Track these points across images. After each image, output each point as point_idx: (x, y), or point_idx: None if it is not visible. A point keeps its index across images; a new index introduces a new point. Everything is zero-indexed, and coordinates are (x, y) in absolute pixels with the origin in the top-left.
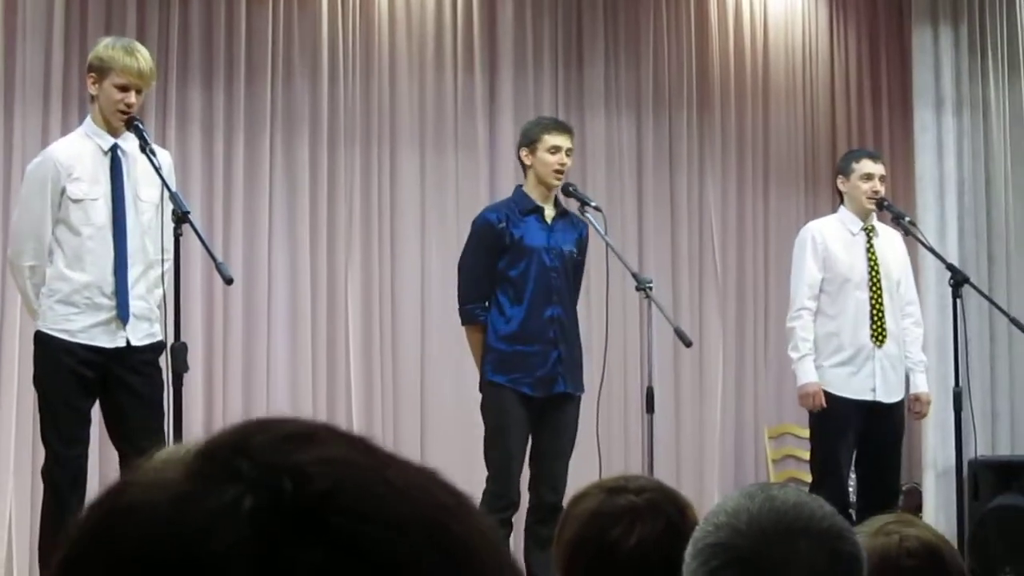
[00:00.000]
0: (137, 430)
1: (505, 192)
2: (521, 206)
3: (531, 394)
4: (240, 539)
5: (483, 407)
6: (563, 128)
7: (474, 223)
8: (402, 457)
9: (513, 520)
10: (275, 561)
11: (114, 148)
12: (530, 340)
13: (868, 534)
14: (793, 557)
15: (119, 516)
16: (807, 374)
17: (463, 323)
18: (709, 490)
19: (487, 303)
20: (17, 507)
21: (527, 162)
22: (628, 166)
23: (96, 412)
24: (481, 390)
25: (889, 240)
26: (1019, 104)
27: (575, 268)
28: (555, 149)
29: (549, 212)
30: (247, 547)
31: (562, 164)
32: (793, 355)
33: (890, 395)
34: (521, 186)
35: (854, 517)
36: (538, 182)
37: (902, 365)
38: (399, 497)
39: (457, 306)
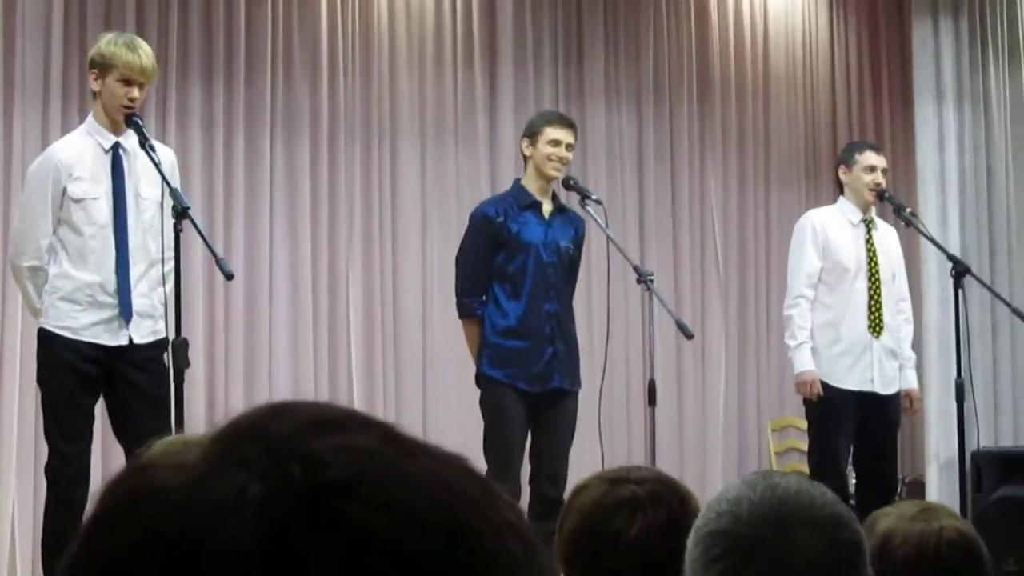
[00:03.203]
0: (142, 426)
1: (505, 186)
2: (519, 200)
3: (527, 389)
4: (246, 526)
5: (481, 402)
6: (565, 122)
7: (472, 217)
8: (431, 445)
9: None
10: (282, 550)
11: (115, 146)
12: (527, 335)
13: (903, 517)
14: (794, 545)
15: (135, 497)
16: (804, 362)
17: (460, 317)
18: (712, 483)
19: (484, 297)
20: (20, 505)
21: (527, 153)
22: (629, 160)
23: (100, 409)
24: (478, 384)
25: (886, 235)
26: (1020, 96)
27: (571, 264)
28: (555, 142)
29: (547, 207)
30: (254, 535)
31: (561, 158)
32: (790, 343)
33: (887, 386)
34: (519, 179)
35: (854, 509)
36: (537, 175)
37: (897, 359)
38: (419, 488)
39: (455, 299)
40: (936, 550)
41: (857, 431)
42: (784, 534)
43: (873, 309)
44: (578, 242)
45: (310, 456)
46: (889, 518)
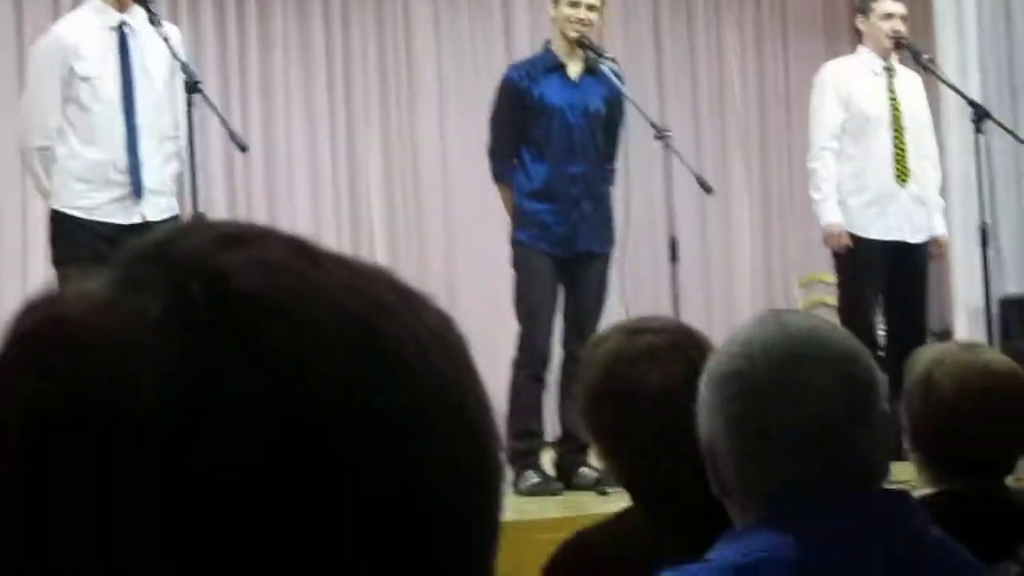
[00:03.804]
0: None
1: (520, 51)
2: (545, 63)
3: (551, 252)
4: (149, 348)
5: (512, 264)
6: None
7: (500, 82)
8: (349, 258)
9: (547, 377)
10: (184, 369)
11: (121, 24)
12: (552, 198)
13: (948, 351)
14: (807, 383)
15: (40, 328)
16: (830, 214)
17: (493, 181)
18: None
19: (514, 161)
20: None
21: (552, 15)
22: (644, 16)
23: None
24: (511, 246)
25: (909, 81)
26: None
27: (606, 125)
28: (575, 4)
29: (574, 69)
30: (155, 357)
31: (581, 19)
32: (815, 195)
33: (916, 234)
34: (548, 41)
35: (882, 358)
36: (561, 37)
37: (925, 205)
38: (329, 298)
39: (488, 163)
40: (980, 380)
41: (886, 280)
42: (797, 373)
43: (898, 157)
44: (612, 101)
45: (212, 271)
46: (933, 351)
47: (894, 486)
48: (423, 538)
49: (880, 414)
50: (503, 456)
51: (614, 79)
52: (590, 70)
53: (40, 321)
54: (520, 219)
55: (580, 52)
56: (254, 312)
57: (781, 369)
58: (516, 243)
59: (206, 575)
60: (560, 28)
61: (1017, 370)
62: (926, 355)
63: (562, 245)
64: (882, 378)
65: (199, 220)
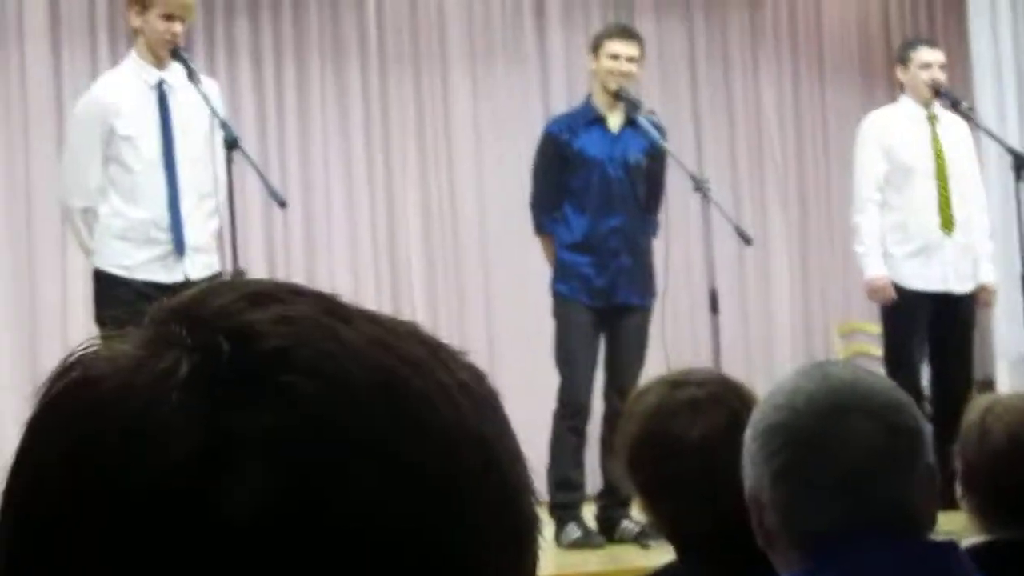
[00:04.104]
0: None
1: (558, 104)
2: (585, 116)
3: (591, 304)
4: (178, 406)
5: (552, 315)
6: (626, 34)
7: (541, 134)
8: (377, 313)
9: (588, 429)
10: (216, 427)
11: (160, 83)
12: (591, 250)
13: (1000, 399)
14: (851, 433)
15: (71, 389)
16: (874, 268)
17: (535, 233)
18: None
19: (556, 213)
20: None
21: (592, 68)
22: (681, 68)
23: None
24: (552, 298)
25: (953, 127)
26: None
27: (647, 176)
28: (615, 56)
29: (614, 121)
30: (185, 415)
31: (621, 72)
32: (859, 249)
33: (962, 284)
34: (590, 95)
35: (928, 409)
36: (601, 89)
37: (972, 253)
38: (357, 352)
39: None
40: None
41: (932, 330)
42: (841, 424)
43: (942, 206)
44: (653, 153)
45: (242, 329)
46: (987, 399)
47: (941, 537)
48: None
49: (925, 464)
50: (537, 509)
51: (653, 131)
52: (630, 122)
53: (73, 383)
54: (560, 271)
55: (620, 104)
56: (282, 367)
57: (825, 420)
58: (556, 294)
59: None
60: (600, 80)
61: None
62: (980, 402)
63: (602, 297)
64: (927, 428)
65: (237, 278)
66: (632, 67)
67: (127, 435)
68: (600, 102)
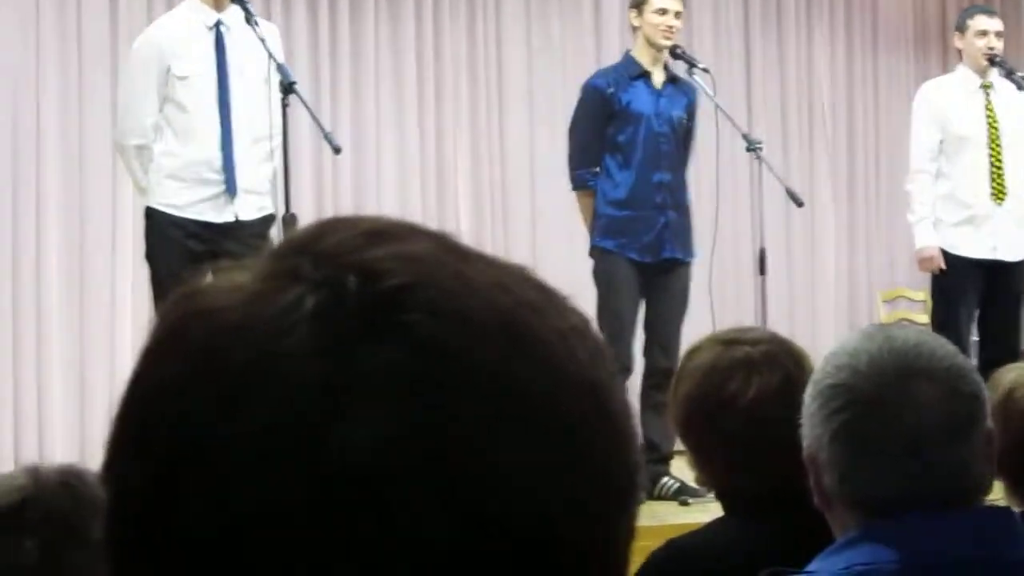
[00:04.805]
0: None
1: (611, 58)
2: (630, 71)
3: (639, 259)
4: (303, 340)
5: (594, 273)
6: None
7: (583, 88)
8: (491, 256)
9: (628, 386)
10: (341, 361)
11: (217, 24)
12: (638, 205)
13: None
14: (913, 397)
15: (188, 321)
16: (924, 237)
17: (573, 188)
18: (823, 355)
19: (597, 168)
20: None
21: (635, 24)
22: (735, 28)
23: None
24: (591, 255)
25: (1008, 96)
26: None
27: (685, 134)
28: (662, 11)
29: (658, 77)
30: (311, 348)
31: (669, 26)
32: (911, 218)
33: (1012, 253)
34: (630, 51)
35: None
36: (647, 44)
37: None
38: (479, 292)
39: (568, 171)
40: None
41: (981, 299)
42: (903, 387)
43: (995, 175)
44: (691, 111)
45: (365, 265)
46: (1012, 372)
47: (999, 502)
48: (571, 539)
49: (984, 430)
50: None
51: (705, 88)
52: (672, 78)
53: (193, 312)
54: (605, 226)
55: (663, 60)
56: (407, 305)
57: (887, 383)
58: (602, 251)
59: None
60: (647, 36)
61: None
62: (1007, 375)
63: (650, 252)
64: (986, 394)
65: (291, 220)
66: (678, 22)
67: (248, 365)
68: (644, 57)
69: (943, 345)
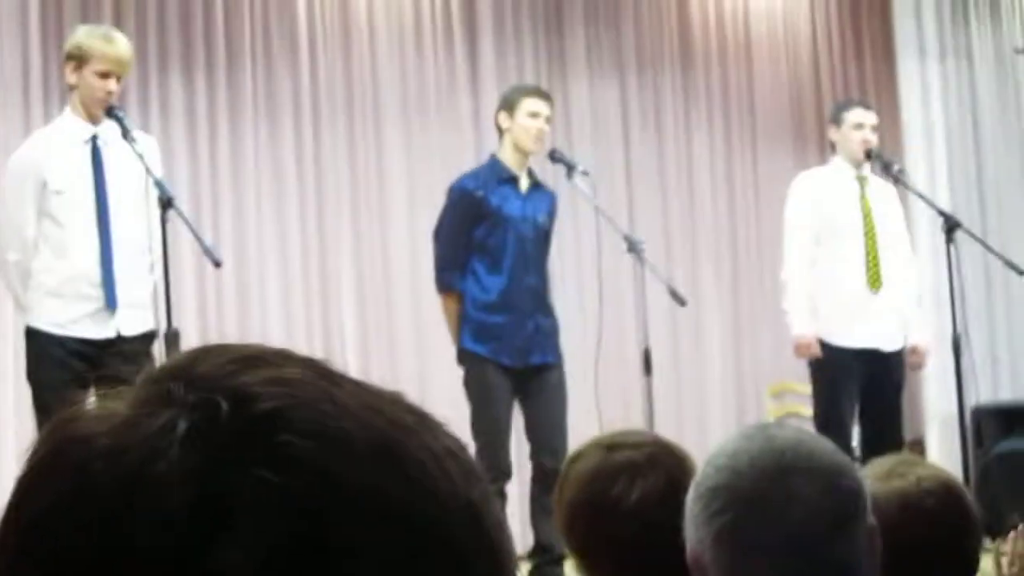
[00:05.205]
0: None
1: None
2: (498, 175)
3: (509, 364)
4: (174, 464)
5: (465, 381)
6: (543, 94)
7: (450, 191)
8: (363, 381)
9: (511, 491)
10: (214, 485)
11: (94, 138)
12: (509, 310)
13: (879, 477)
14: (794, 494)
15: (64, 446)
16: (800, 325)
17: (439, 291)
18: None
19: (463, 272)
20: None
21: (504, 126)
22: (614, 130)
23: None
24: (460, 360)
25: (882, 190)
26: (1003, 48)
27: (546, 237)
28: (535, 115)
29: (524, 182)
30: (183, 472)
31: (540, 130)
32: (786, 307)
33: (890, 342)
34: (495, 154)
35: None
36: (515, 148)
37: (900, 313)
38: (351, 414)
39: (434, 273)
40: (918, 501)
41: (861, 390)
42: (783, 485)
43: (870, 264)
44: (552, 215)
45: (238, 389)
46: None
47: None
48: None
49: (867, 525)
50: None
51: (585, 191)
52: (535, 183)
53: (64, 440)
54: (476, 331)
55: (527, 164)
56: (279, 427)
57: (767, 481)
58: (473, 356)
59: None
60: (515, 139)
61: (949, 482)
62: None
63: (520, 357)
64: (867, 489)
65: (174, 338)
66: (548, 127)
67: (122, 489)
68: (511, 161)
69: (822, 443)
